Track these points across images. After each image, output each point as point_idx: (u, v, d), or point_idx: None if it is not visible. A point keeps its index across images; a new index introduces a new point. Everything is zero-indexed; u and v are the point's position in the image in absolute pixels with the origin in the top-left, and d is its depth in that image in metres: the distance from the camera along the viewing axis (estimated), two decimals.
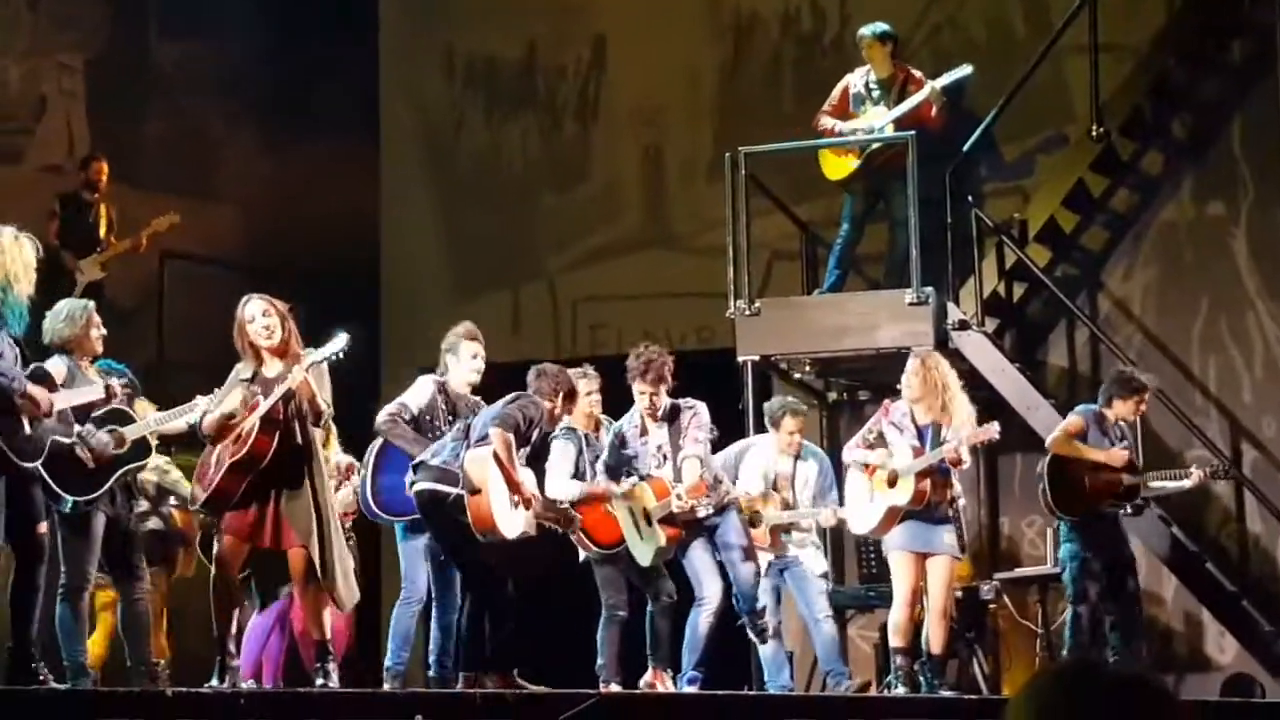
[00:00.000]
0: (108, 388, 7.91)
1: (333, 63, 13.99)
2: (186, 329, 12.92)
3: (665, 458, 9.10)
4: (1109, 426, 9.91)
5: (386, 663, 8.95)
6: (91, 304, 8.49)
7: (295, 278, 12.35)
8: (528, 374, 8.65)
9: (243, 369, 8.00)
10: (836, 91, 11.41)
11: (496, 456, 8.17)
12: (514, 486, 8.22)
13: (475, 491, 8.17)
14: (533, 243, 13.76)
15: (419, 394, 9.01)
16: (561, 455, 9.21)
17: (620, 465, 9.20)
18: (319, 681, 7.90)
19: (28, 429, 7.09)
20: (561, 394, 8.56)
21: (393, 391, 13.78)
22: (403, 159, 14.27)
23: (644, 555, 9.16)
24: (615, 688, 9.24)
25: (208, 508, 7.93)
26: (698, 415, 9.14)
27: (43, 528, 7.32)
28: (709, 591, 9.08)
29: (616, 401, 9.46)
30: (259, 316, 7.93)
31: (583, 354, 11.25)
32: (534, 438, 8.45)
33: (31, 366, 7.29)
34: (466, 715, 6.89)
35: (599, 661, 9.41)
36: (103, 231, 12.39)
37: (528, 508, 8.32)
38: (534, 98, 13.96)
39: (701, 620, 9.07)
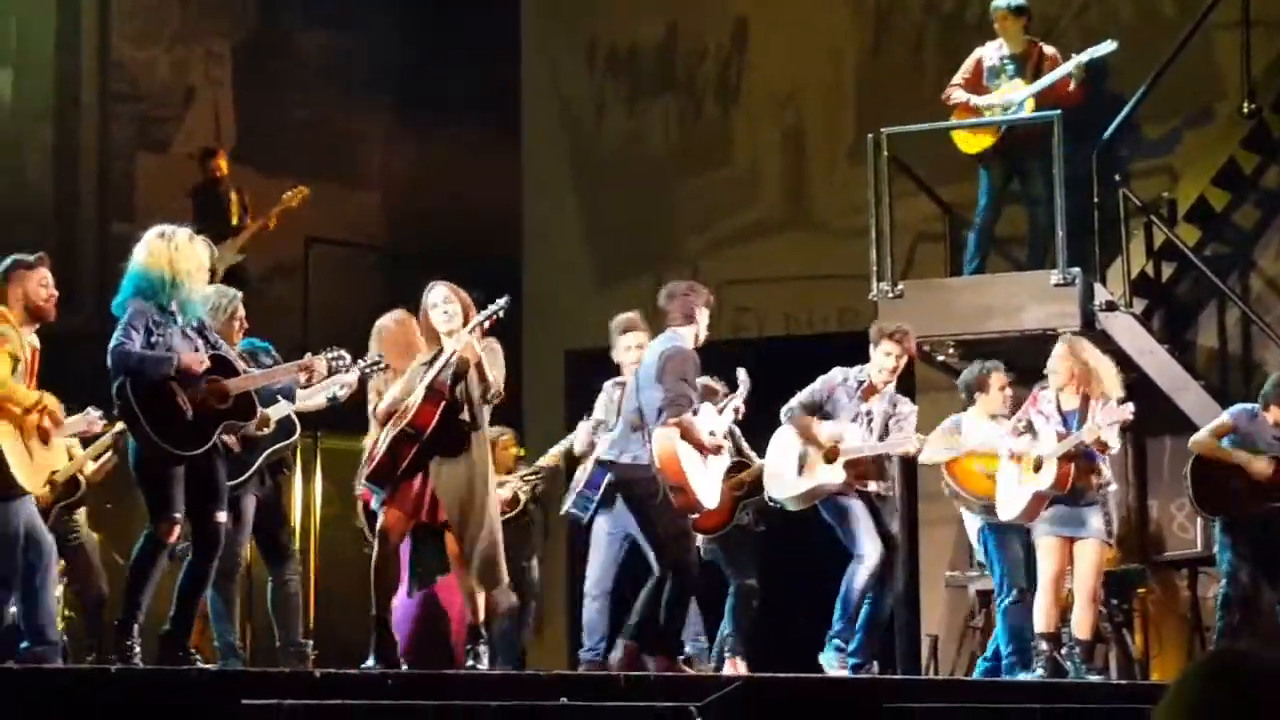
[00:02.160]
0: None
1: (474, 49, 14.07)
2: (330, 312, 13.07)
3: (869, 426, 9.13)
4: (1263, 428, 9.69)
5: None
6: (239, 295, 8.56)
7: (437, 263, 12.43)
8: (659, 298, 8.59)
9: (423, 356, 8.04)
10: (969, 63, 11.27)
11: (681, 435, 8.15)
12: (705, 450, 8.21)
13: (678, 488, 8.14)
14: (674, 227, 13.76)
15: None
16: None
17: (821, 405, 9.21)
18: (469, 663, 7.93)
19: (189, 417, 7.17)
20: (698, 307, 8.46)
21: (533, 377, 13.95)
22: (544, 144, 14.33)
23: (784, 490, 9.15)
24: (740, 663, 9.26)
25: (372, 481, 7.94)
26: (914, 416, 9.25)
27: (220, 516, 7.35)
28: (867, 549, 9.05)
29: (762, 387, 9.42)
30: (440, 303, 7.96)
31: (725, 337, 11.20)
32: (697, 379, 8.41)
33: (207, 354, 7.36)
34: (611, 697, 6.88)
35: (722, 633, 9.42)
36: (234, 217, 12.56)
37: (717, 453, 8.30)
38: (674, 82, 13.96)
39: (858, 578, 9.03)
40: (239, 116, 13.54)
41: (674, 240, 13.73)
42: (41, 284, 7.52)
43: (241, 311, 8.46)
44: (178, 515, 7.17)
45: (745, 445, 9.61)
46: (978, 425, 9.49)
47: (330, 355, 8.06)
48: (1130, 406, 9.05)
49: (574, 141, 14.27)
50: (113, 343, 7.13)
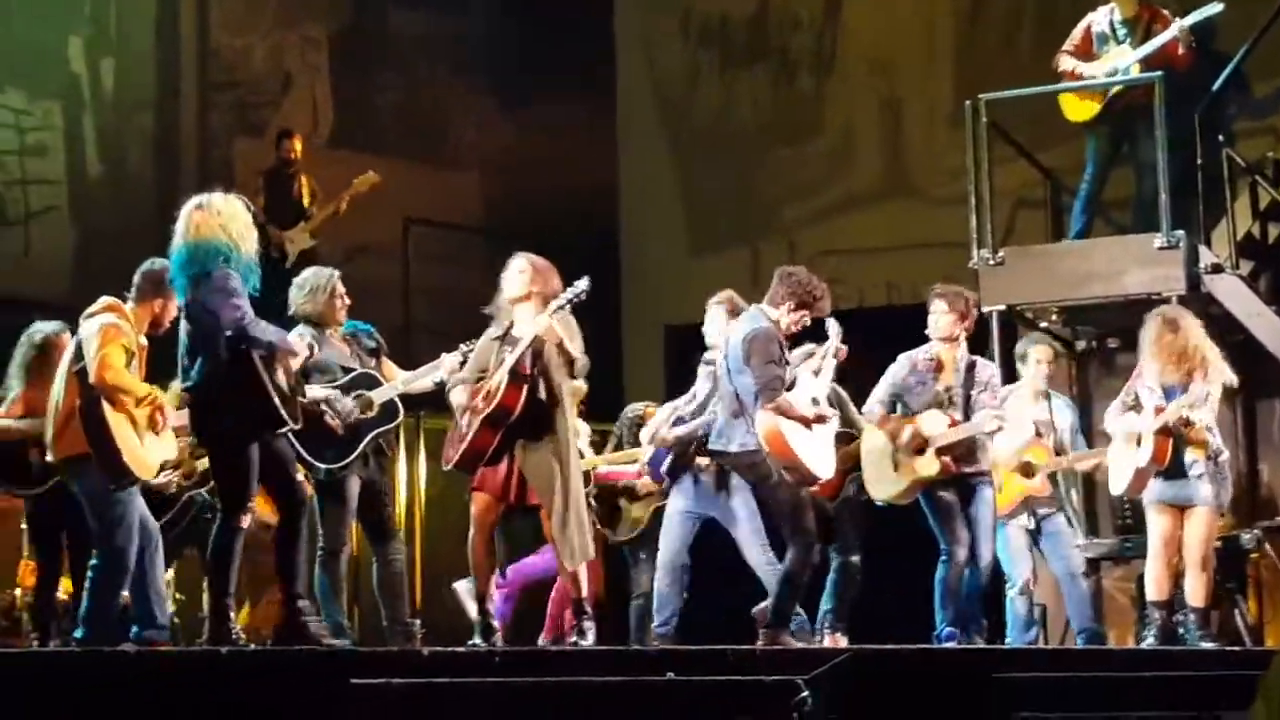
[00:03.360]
0: (310, 347, 7.81)
1: (568, 26, 14.08)
2: (430, 292, 13.15)
3: (952, 402, 9.01)
4: None
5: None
6: (336, 273, 8.61)
7: (534, 240, 12.49)
8: (774, 278, 8.46)
9: (494, 329, 8.06)
10: (1078, 30, 11.14)
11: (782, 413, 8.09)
12: (807, 423, 8.18)
13: (790, 466, 8.11)
14: (770, 198, 13.72)
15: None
16: None
17: (899, 395, 9.13)
18: (572, 639, 7.96)
19: (287, 390, 7.22)
20: (802, 306, 8.34)
21: (633, 352, 13.99)
22: (639, 119, 14.32)
23: (885, 490, 9.08)
24: (842, 639, 9.22)
25: (461, 467, 7.98)
26: (997, 377, 9.13)
27: (299, 476, 7.43)
28: (954, 549, 8.98)
29: (866, 358, 9.36)
30: (515, 273, 8.00)
31: None
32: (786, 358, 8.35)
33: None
34: (717, 672, 6.87)
35: (824, 608, 9.36)
36: (306, 201, 12.63)
37: (825, 421, 8.26)
38: (767, 52, 13.90)
39: (950, 579, 8.96)
40: (335, 101, 13.63)
41: (771, 211, 13.69)
42: (178, 306, 7.53)
43: (341, 288, 8.51)
44: (253, 505, 7.24)
45: (853, 410, 9.50)
46: (1019, 406, 9.41)
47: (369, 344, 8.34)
48: (1203, 390, 8.86)
49: (668, 115, 14.26)
50: (231, 315, 7.03)
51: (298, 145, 12.73)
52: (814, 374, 8.58)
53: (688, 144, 14.14)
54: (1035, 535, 9.59)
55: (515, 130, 14.19)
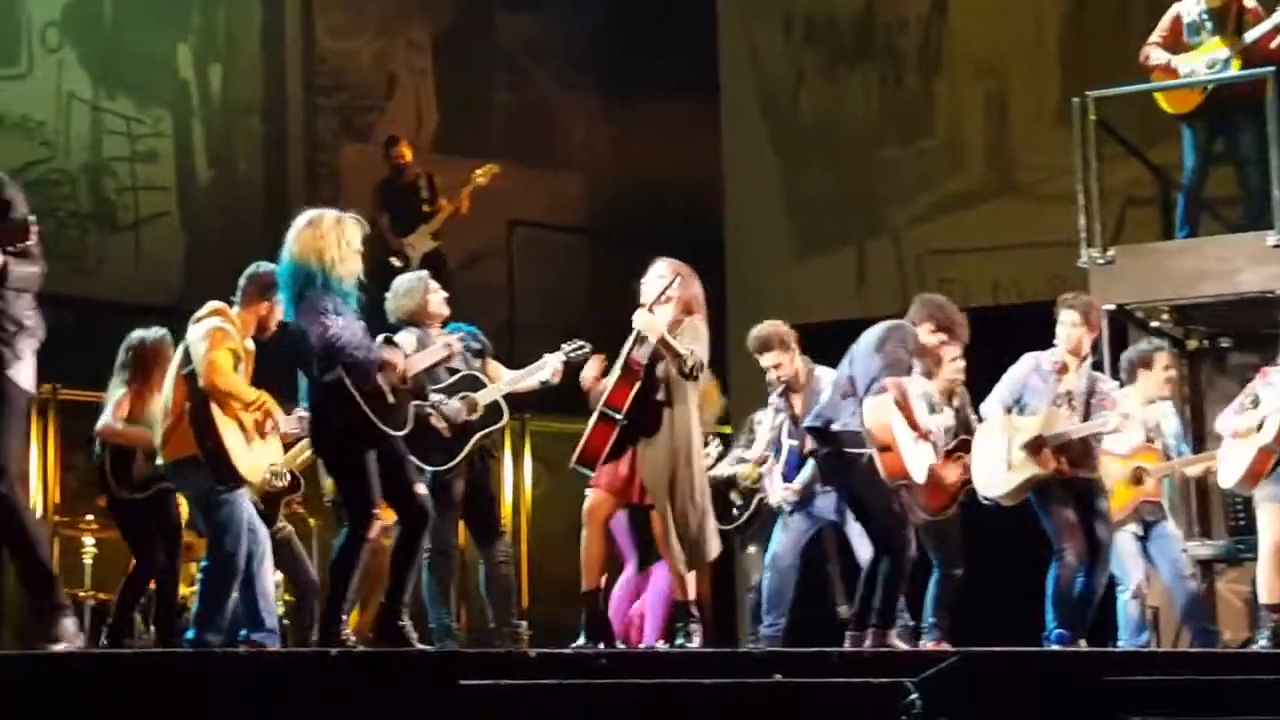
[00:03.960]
0: (447, 345, 7.85)
1: (672, 26, 14.08)
2: (535, 294, 13.19)
3: (1072, 407, 8.91)
4: None
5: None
6: (425, 273, 8.71)
7: (639, 241, 12.50)
8: (914, 303, 8.56)
9: (635, 335, 8.07)
10: (1166, 21, 10.97)
11: (896, 403, 8.04)
12: (916, 426, 8.13)
13: (885, 449, 8.05)
14: (876, 197, 13.66)
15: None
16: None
17: (1019, 396, 9.06)
18: (678, 641, 7.92)
19: (390, 399, 7.22)
20: (938, 323, 8.36)
21: (738, 355, 13.91)
22: (744, 119, 14.29)
23: (996, 488, 8.98)
24: (946, 646, 9.13)
25: (579, 463, 7.96)
26: (1116, 390, 9.05)
27: (421, 489, 7.37)
28: (1067, 548, 8.87)
29: (972, 358, 9.29)
30: (655, 278, 7.99)
31: None
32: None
33: (380, 336, 7.40)
34: (823, 674, 6.84)
35: (929, 620, 9.28)
36: (425, 203, 12.65)
37: (927, 439, 8.23)
38: (873, 51, 13.84)
39: (1062, 579, 8.86)
40: (440, 103, 13.71)
41: (877, 212, 13.63)
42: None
43: (434, 284, 8.55)
44: (377, 511, 7.20)
45: (971, 413, 9.42)
46: (1129, 411, 9.27)
47: (459, 336, 8.19)
48: None
49: (773, 115, 14.23)
50: (319, 333, 7.04)
51: (407, 151, 12.77)
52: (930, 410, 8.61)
53: (793, 144, 14.11)
54: (1143, 541, 9.48)
55: (620, 132, 14.21)
